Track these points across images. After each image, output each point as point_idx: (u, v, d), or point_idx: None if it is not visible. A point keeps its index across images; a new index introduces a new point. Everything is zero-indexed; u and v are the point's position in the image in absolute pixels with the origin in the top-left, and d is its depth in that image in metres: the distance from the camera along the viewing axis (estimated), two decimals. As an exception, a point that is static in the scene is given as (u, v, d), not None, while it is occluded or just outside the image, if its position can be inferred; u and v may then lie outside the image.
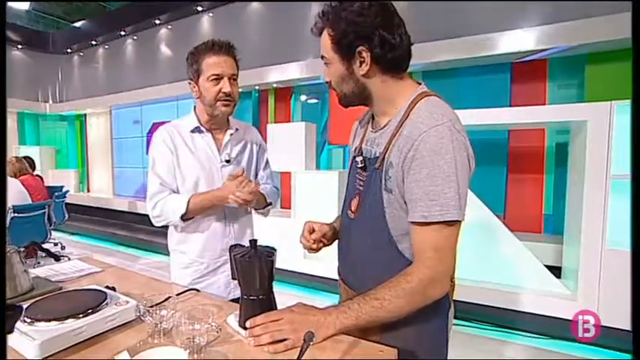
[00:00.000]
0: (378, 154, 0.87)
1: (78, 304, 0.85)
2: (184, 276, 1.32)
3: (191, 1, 5.41)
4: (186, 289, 1.10)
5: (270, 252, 0.83)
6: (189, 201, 1.20)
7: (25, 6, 5.83)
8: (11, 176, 3.96)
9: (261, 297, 0.82)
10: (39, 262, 3.96)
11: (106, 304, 0.88)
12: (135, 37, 6.73)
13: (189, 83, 1.29)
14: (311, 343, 0.65)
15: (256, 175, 1.45)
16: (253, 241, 0.84)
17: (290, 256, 3.33)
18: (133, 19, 6.37)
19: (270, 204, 1.42)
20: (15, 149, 7.65)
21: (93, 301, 0.87)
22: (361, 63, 0.82)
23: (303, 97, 5.14)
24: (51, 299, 0.92)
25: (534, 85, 3.55)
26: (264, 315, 0.79)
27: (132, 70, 6.87)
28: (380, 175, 0.85)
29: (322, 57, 0.88)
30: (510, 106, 3.55)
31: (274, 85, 5.06)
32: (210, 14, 5.55)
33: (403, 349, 0.81)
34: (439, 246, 0.76)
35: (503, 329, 2.75)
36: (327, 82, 0.91)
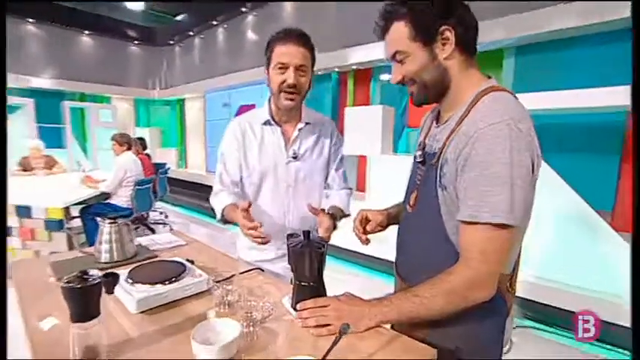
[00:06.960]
0: (436, 150, 0.85)
1: (164, 273, 1.01)
2: (250, 256, 1.35)
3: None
4: (252, 267, 1.22)
5: (321, 244, 0.88)
6: (224, 208, 1.25)
7: (141, 6, 6.60)
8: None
9: (311, 284, 0.88)
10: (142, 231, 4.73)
11: (185, 275, 1.03)
12: (225, 26, 7.25)
13: (265, 71, 1.25)
14: (344, 335, 0.69)
15: (327, 175, 1.36)
16: (306, 232, 0.89)
17: (356, 238, 3.34)
18: (223, 8, 6.85)
19: (348, 215, 1.30)
20: (132, 130, 9.03)
21: (175, 271, 1.03)
22: (444, 45, 0.80)
23: (383, 79, 5.00)
24: (146, 266, 1.11)
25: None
26: (313, 300, 0.85)
27: (222, 56, 7.45)
28: (436, 171, 0.83)
29: (394, 55, 0.84)
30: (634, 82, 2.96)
31: (353, 67, 5.01)
32: (292, -2, 5.68)
33: (449, 349, 0.81)
34: (485, 248, 0.73)
35: (599, 344, 2.38)
36: (399, 82, 0.86)
